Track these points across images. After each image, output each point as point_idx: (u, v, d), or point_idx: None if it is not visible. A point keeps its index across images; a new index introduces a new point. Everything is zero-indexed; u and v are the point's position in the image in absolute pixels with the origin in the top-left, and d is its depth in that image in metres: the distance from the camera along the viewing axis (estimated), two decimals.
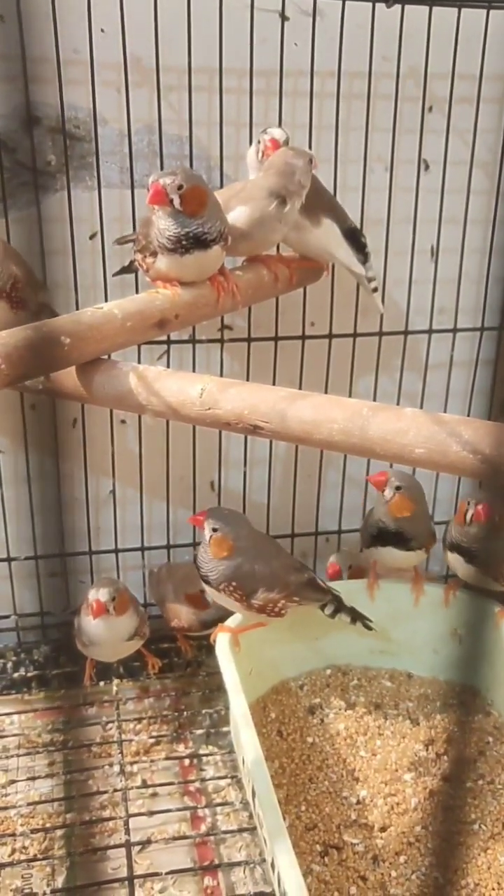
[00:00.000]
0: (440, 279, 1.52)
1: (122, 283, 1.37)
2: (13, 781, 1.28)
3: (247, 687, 1.20)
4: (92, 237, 1.38)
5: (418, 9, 1.33)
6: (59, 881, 1.13)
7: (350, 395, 1.50)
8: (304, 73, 1.34)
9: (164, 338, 1.40)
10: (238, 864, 1.16)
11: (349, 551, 1.57)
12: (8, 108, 1.28)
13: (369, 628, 1.34)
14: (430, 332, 1.54)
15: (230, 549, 1.23)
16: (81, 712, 1.42)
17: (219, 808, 1.25)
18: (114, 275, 1.36)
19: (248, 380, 1.41)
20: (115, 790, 1.25)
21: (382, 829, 1.16)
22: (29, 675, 1.48)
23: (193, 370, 1.47)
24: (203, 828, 1.22)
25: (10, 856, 1.16)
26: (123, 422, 1.50)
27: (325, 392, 1.46)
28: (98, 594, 1.25)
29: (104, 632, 1.28)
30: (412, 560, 1.38)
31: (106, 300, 1.32)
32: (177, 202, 1.11)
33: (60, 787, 1.27)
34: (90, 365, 1.11)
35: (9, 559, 1.51)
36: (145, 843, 1.19)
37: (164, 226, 1.13)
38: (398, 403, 1.57)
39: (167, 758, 1.33)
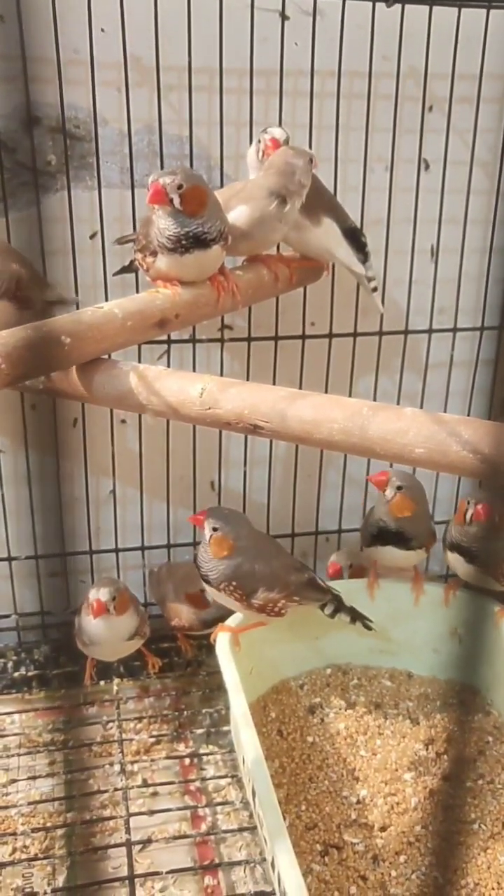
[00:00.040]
0: (440, 279, 1.52)
1: (122, 283, 1.37)
2: (14, 781, 1.28)
3: (247, 686, 1.20)
4: (92, 237, 1.38)
5: (418, 8, 1.33)
6: (60, 880, 1.13)
7: (350, 395, 1.51)
8: (305, 72, 1.34)
9: (164, 337, 1.40)
10: (238, 863, 1.17)
11: (350, 550, 1.57)
12: (8, 108, 1.29)
13: (369, 628, 1.34)
14: (430, 331, 1.54)
15: (230, 548, 1.23)
16: (82, 712, 1.42)
17: (219, 808, 1.25)
18: (114, 274, 1.36)
19: (248, 379, 1.41)
20: (116, 789, 1.26)
21: (382, 829, 1.16)
22: (29, 674, 1.48)
23: (194, 370, 1.47)
24: (203, 827, 1.22)
25: (10, 855, 1.16)
26: (124, 421, 1.50)
27: (326, 392, 1.46)
28: (98, 594, 1.25)
29: (104, 631, 1.29)
30: (412, 559, 1.38)
31: (106, 300, 1.32)
32: (177, 202, 1.11)
33: (61, 786, 1.27)
34: (90, 364, 1.11)
35: (9, 559, 1.51)
36: (146, 843, 1.19)
37: (164, 225, 1.13)
38: (398, 403, 1.57)
39: (167, 757, 1.33)
